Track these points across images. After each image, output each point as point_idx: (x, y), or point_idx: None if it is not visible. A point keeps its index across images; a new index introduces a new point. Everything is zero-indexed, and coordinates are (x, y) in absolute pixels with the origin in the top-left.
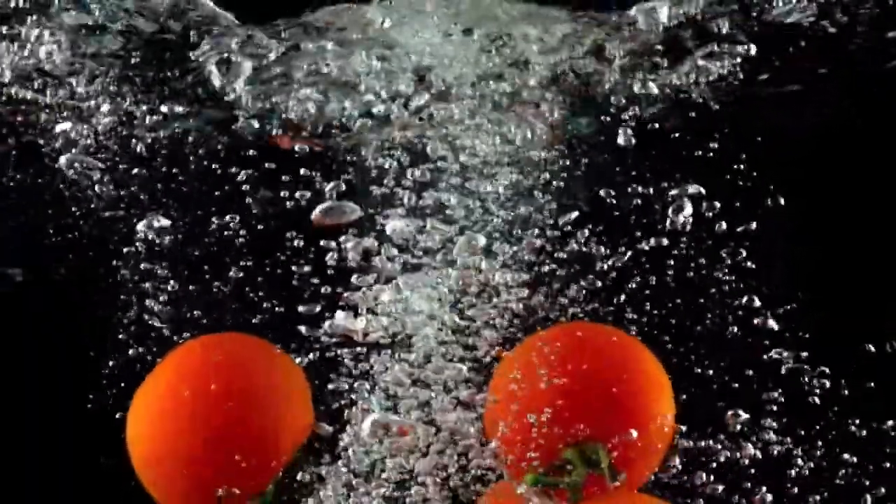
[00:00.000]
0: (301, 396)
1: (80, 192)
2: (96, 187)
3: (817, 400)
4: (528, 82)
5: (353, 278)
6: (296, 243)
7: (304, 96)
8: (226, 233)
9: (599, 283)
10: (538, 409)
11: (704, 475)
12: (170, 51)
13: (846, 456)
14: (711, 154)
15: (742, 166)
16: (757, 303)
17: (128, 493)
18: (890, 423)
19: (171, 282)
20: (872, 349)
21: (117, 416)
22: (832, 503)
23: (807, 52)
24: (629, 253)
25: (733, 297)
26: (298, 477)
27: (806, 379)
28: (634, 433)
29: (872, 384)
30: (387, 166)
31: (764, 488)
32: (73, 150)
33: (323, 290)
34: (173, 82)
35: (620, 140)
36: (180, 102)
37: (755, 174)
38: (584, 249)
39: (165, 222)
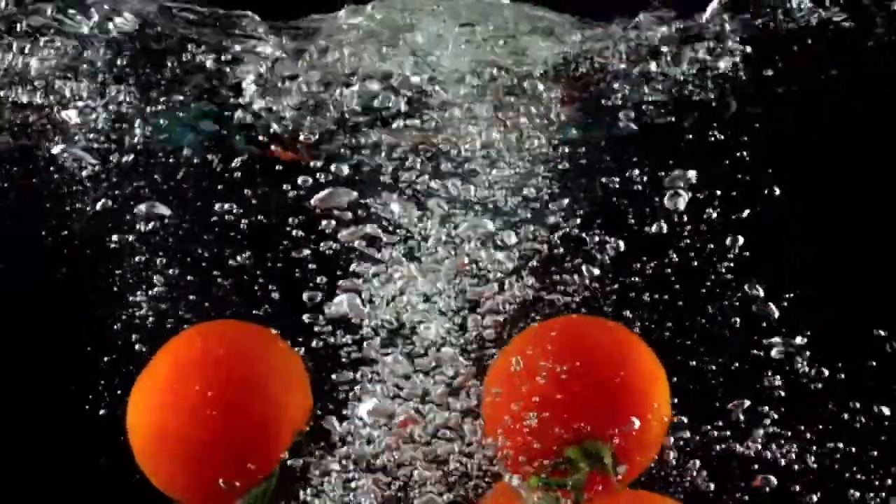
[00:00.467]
0: (300, 382)
1: (77, 186)
2: (93, 181)
3: (816, 392)
4: (529, 75)
5: (353, 265)
6: (294, 232)
7: (306, 96)
8: (224, 221)
9: (595, 276)
10: (535, 406)
11: (702, 466)
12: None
13: (842, 445)
14: (717, 151)
15: (748, 163)
16: (756, 293)
17: (128, 491)
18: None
19: (170, 271)
20: (873, 341)
21: (117, 412)
22: (831, 495)
23: (816, 52)
24: (626, 246)
25: (732, 290)
26: (298, 463)
27: (805, 370)
28: (637, 422)
29: (872, 375)
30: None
31: (761, 477)
32: (70, 146)
33: (321, 277)
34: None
35: (623, 133)
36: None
37: (760, 171)
38: (581, 243)
39: (164, 210)
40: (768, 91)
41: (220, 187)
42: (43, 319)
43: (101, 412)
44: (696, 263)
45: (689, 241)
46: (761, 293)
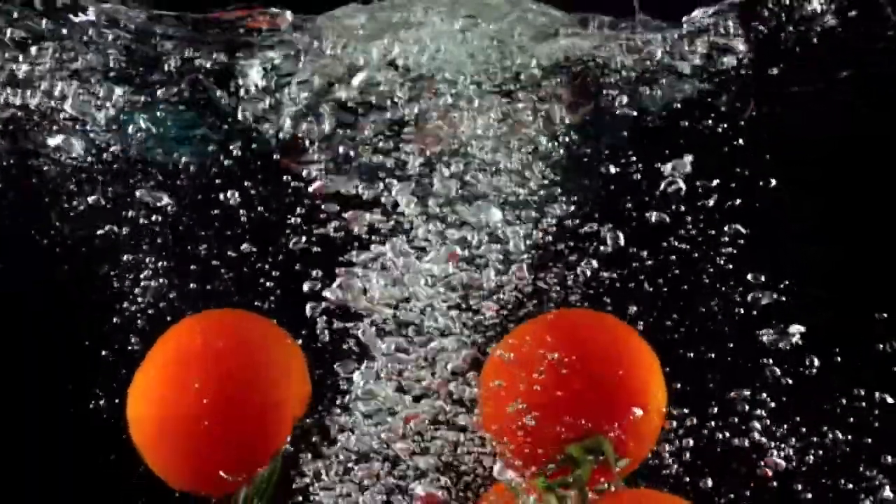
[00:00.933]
0: (299, 369)
1: (74, 185)
2: (90, 179)
3: (814, 385)
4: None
5: (352, 254)
6: (293, 220)
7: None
8: (222, 217)
9: (594, 270)
10: (533, 405)
11: (699, 457)
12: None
13: (840, 435)
14: (720, 149)
15: (749, 160)
16: (756, 291)
17: (128, 487)
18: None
19: (168, 268)
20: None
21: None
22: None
23: (826, 53)
24: (626, 241)
25: (730, 282)
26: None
27: (803, 362)
28: (639, 411)
29: (871, 367)
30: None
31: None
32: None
33: (318, 270)
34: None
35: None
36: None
37: (762, 168)
38: (581, 237)
39: (163, 197)
40: (771, 90)
41: (217, 180)
42: (42, 318)
43: (102, 409)
44: (695, 255)
45: (688, 234)
46: (761, 291)
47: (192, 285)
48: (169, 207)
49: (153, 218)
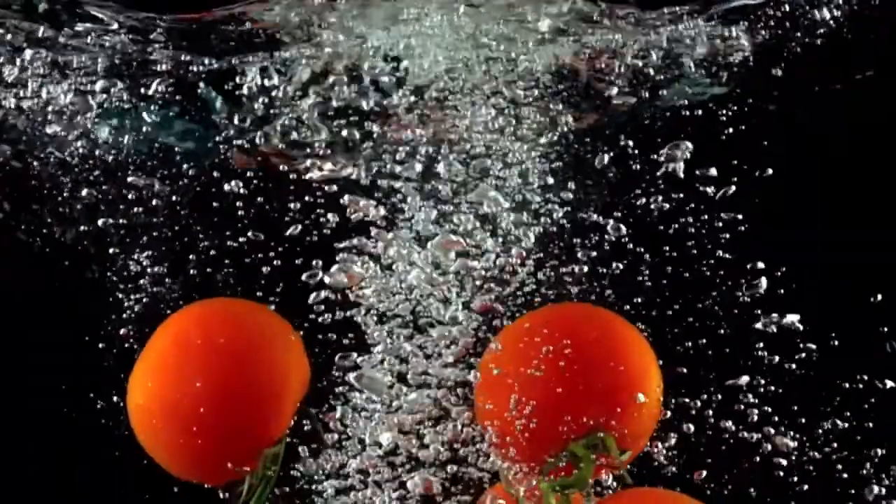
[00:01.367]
0: (298, 353)
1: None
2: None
3: (811, 374)
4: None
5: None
6: (292, 205)
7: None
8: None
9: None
10: (529, 399)
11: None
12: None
13: (839, 422)
14: (729, 145)
15: (753, 154)
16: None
17: (127, 485)
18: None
19: (166, 264)
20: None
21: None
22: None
23: (851, 54)
24: (625, 237)
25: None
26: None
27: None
28: (642, 397)
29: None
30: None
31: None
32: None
33: (314, 253)
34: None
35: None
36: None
37: (764, 164)
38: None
39: (159, 186)
40: (783, 85)
41: (214, 172)
42: (42, 316)
43: (101, 403)
44: (693, 250)
45: (689, 227)
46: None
47: (188, 276)
48: (164, 201)
49: (150, 215)
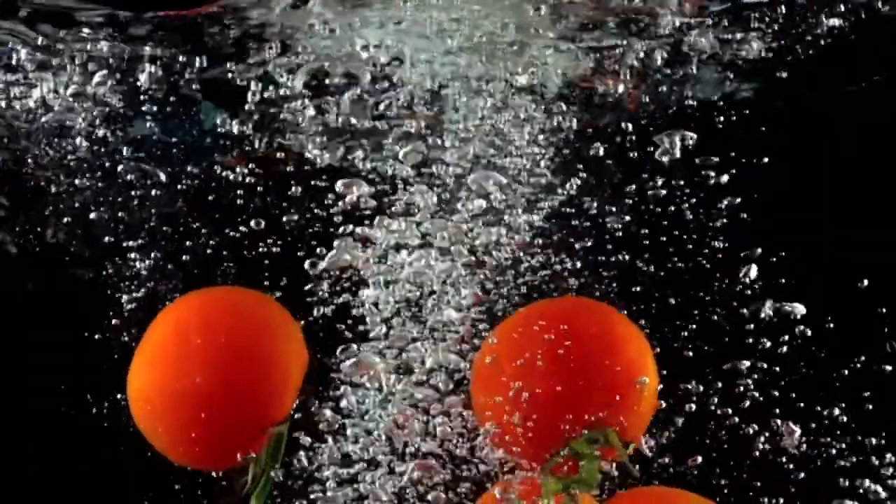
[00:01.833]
0: (297, 338)
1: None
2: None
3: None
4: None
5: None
6: (291, 190)
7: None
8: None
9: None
10: (529, 404)
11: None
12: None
13: (837, 413)
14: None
15: (779, 160)
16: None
17: (129, 481)
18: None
19: (164, 262)
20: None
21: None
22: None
23: (860, 57)
24: (625, 234)
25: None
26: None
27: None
28: (646, 379)
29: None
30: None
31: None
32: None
33: (313, 240)
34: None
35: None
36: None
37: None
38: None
39: (154, 171)
40: (791, 86)
41: (211, 169)
42: (41, 315)
43: (98, 398)
44: (696, 246)
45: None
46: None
47: (187, 272)
48: (160, 198)
49: (145, 212)
